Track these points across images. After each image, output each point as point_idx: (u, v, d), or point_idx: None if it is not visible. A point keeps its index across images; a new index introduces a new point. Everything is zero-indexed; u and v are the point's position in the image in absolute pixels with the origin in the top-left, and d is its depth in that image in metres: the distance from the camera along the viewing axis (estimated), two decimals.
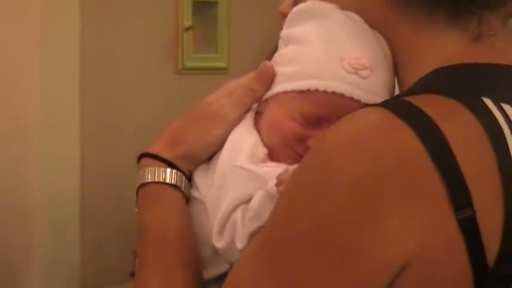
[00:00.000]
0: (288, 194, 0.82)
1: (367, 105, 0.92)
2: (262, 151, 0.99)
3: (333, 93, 0.94)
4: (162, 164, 1.01)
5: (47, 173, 3.15)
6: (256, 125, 1.02)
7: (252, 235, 0.90)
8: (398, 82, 0.96)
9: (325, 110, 0.96)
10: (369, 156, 0.77)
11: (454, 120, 0.80)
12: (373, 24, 0.94)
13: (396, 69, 0.95)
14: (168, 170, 1.01)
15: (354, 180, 0.76)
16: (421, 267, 0.77)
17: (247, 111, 1.02)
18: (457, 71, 0.86)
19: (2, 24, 3.17)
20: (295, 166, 0.92)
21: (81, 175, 3.24)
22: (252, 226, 0.91)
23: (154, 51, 3.40)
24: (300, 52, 0.98)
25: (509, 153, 0.79)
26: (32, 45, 3.12)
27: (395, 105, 0.81)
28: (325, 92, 0.95)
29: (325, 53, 0.97)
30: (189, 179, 1.03)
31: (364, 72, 0.95)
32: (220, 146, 1.01)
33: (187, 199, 1.03)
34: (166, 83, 3.42)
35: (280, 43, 1.03)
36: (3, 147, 3.20)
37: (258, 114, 1.02)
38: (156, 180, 1.01)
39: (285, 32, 1.03)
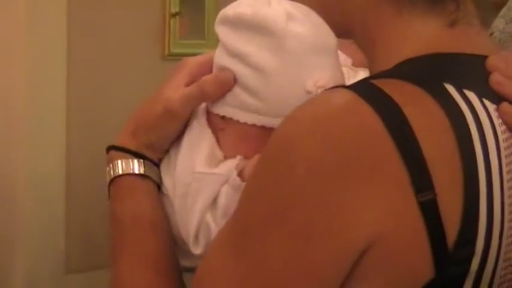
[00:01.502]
0: (252, 178, 0.83)
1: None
2: (220, 154, 0.99)
3: None
4: (128, 155, 1.01)
5: (32, 159, 3.14)
6: (211, 126, 1.00)
7: None
8: (369, 61, 0.96)
9: None
10: (330, 137, 0.78)
11: (418, 106, 0.81)
12: (351, 5, 0.93)
13: (368, 50, 0.94)
14: (136, 160, 1.01)
15: (314, 162, 0.77)
16: (383, 249, 0.78)
17: (196, 108, 1.01)
18: (424, 59, 0.87)
19: None
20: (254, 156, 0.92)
21: (66, 161, 3.24)
22: (223, 224, 0.92)
23: (141, 37, 3.39)
24: (259, 83, 0.95)
25: (471, 139, 0.81)
26: (18, 31, 3.11)
27: (361, 87, 0.82)
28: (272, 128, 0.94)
29: (289, 89, 0.94)
30: (158, 166, 1.02)
31: None
32: (176, 137, 1.01)
33: (160, 186, 1.03)
34: (153, 69, 3.41)
35: (222, 51, 1.00)
36: None
37: (213, 122, 1.01)
38: (124, 172, 1.00)
39: (232, 44, 0.99)
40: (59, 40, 3.17)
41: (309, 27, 0.94)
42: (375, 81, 0.82)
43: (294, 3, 0.97)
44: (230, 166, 0.95)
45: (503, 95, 0.85)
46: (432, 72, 0.85)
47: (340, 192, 0.77)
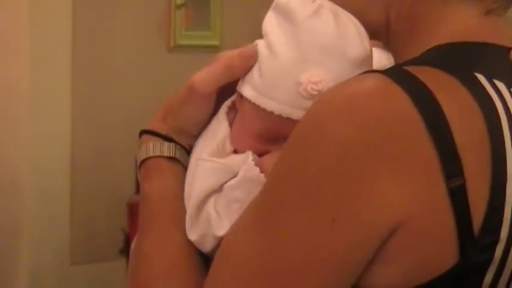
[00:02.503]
0: (283, 156, 0.83)
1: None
2: (229, 147, 0.99)
3: (288, 118, 0.94)
4: (158, 138, 1.02)
5: (37, 151, 3.14)
6: (229, 117, 1.01)
7: None
8: (400, 48, 0.95)
9: (280, 131, 0.96)
10: (362, 119, 0.78)
11: (450, 93, 0.81)
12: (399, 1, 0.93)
13: (402, 38, 0.94)
14: (166, 143, 1.02)
15: (344, 141, 0.78)
16: (409, 233, 0.78)
17: (222, 87, 1.01)
18: (457, 47, 0.88)
19: None
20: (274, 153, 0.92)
21: (71, 153, 3.24)
22: (238, 215, 0.92)
23: (146, 28, 3.39)
24: (265, 61, 0.97)
25: (501, 127, 0.81)
26: (22, 22, 3.11)
27: (394, 72, 0.82)
28: (280, 116, 0.94)
29: (284, 74, 0.94)
30: (188, 152, 1.03)
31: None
32: (202, 121, 1.02)
33: None
34: (158, 61, 3.41)
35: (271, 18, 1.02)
36: None
37: (233, 108, 1.02)
38: (154, 154, 1.02)
39: (264, 22, 1.01)
40: (63, 33, 3.17)
41: (330, 29, 0.94)
42: (408, 68, 0.83)
43: (342, 10, 0.98)
44: (238, 159, 0.95)
45: None
46: (464, 61, 0.86)
47: (369, 174, 0.77)
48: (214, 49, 3.46)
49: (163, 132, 1.02)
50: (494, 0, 0.91)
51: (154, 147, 1.02)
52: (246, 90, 0.97)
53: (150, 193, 1.00)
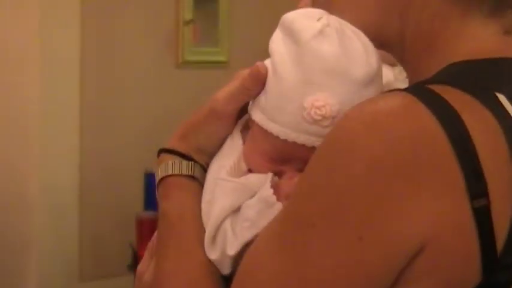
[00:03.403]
0: (307, 172, 0.82)
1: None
2: (244, 166, 0.99)
3: (294, 142, 0.94)
4: (178, 157, 1.03)
5: (46, 166, 3.15)
6: (243, 136, 1.02)
7: (247, 245, 0.91)
8: (415, 66, 0.95)
9: (290, 153, 0.95)
10: (389, 137, 0.78)
11: (473, 113, 0.81)
12: (414, 6, 0.92)
13: (418, 54, 0.93)
14: (184, 162, 1.02)
15: (373, 159, 0.77)
16: (434, 252, 0.78)
17: (240, 106, 1.01)
18: (477, 65, 0.88)
19: (1, 17, 3.16)
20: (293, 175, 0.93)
21: (80, 168, 3.24)
22: (248, 235, 0.92)
23: (154, 44, 3.40)
24: (270, 83, 0.96)
25: None
26: (32, 37, 3.12)
27: (419, 91, 0.82)
28: (285, 140, 0.94)
29: (288, 97, 0.94)
30: (206, 170, 1.04)
31: (324, 122, 0.92)
32: (221, 140, 1.02)
33: None
34: (166, 77, 3.42)
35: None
36: (3, 143, 3.20)
37: (247, 126, 1.02)
38: (173, 173, 1.02)
39: (271, 41, 1.00)
40: (72, 46, 3.18)
41: (335, 49, 0.93)
42: (431, 87, 0.82)
43: (349, 25, 0.97)
44: (256, 179, 0.95)
45: None
46: (483, 80, 0.86)
47: (396, 193, 0.77)
48: (222, 65, 3.47)
49: (182, 150, 1.03)
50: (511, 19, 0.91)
51: (174, 166, 1.02)
52: (254, 112, 0.97)
53: (169, 212, 1.00)
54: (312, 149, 0.91)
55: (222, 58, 3.49)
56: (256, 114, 0.97)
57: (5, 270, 3.22)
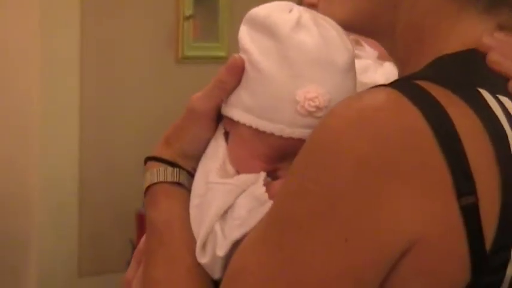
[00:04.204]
0: (292, 172, 0.81)
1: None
2: (231, 168, 0.98)
3: (290, 138, 0.93)
4: (163, 164, 1.02)
5: (45, 163, 3.15)
6: (226, 138, 1.01)
7: (236, 243, 0.90)
8: (405, 58, 0.94)
9: (287, 149, 0.95)
10: (376, 134, 0.77)
11: (459, 109, 0.79)
12: (412, 3, 0.91)
13: (409, 46, 0.92)
14: (169, 169, 1.01)
15: (358, 157, 0.76)
16: (422, 252, 0.77)
17: (218, 104, 1.00)
18: (461, 59, 0.86)
19: (2, 16, 3.16)
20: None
21: (79, 164, 3.24)
22: (237, 234, 0.91)
23: (154, 40, 3.39)
24: (256, 83, 0.95)
25: (508, 145, 0.80)
26: (32, 34, 3.12)
27: (405, 87, 0.81)
28: (281, 136, 0.93)
29: (279, 93, 0.93)
30: (193, 176, 1.03)
31: (318, 113, 0.91)
32: (204, 143, 1.01)
33: None
34: (166, 72, 3.41)
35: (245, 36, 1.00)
36: (3, 137, 3.20)
37: (226, 132, 1.01)
38: (158, 180, 1.01)
39: (242, 39, 0.99)
40: (72, 45, 3.18)
41: (316, 39, 0.93)
42: (418, 82, 0.81)
43: (318, 14, 0.96)
44: (247, 178, 0.94)
45: (503, 74, 0.84)
46: (467, 75, 0.85)
47: (382, 191, 0.76)
48: (223, 60, 3.46)
49: (167, 157, 1.02)
50: (509, 16, 0.90)
51: (158, 173, 1.01)
52: (237, 114, 0.96)
53: (156, 219, 0.99)
54: None
55: (222, 53, 3.48)
56: (241, 115, 0.96)
57: (5, 266, 3.22)
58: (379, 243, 0.76)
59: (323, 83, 0.92)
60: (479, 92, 0.82)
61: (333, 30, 0.94)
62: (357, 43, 1.36)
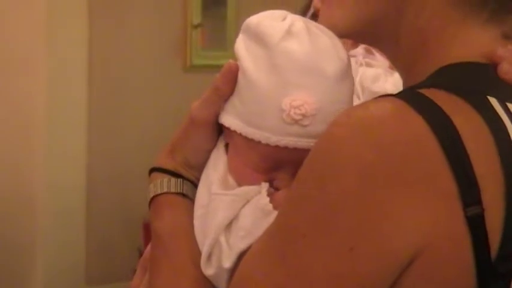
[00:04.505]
0: (297, 182, 0.81)
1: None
2: (231, 179, 0.98)
3: (276, 146, 0.93)
4: (167, 175, 1.02)
5: (52, 172, 3.15)
6: (227, 149, 1.01)
7: (242, 254, 0.90)
8: (410, 66, 0.93)
9: (278, 158, 0.94)
10: (379, 143, 0.76)
11: (465, 118, 0.79)
12: (413, 7, 0.90)
13: (413, 54, 0.92)
14: (173, 179, 1.01)
15: (362, 166, 0.76)
16: (427, 261, 0.76)
17: (217, 111, 1.00)
18: (470, 68, 0.86)
19: (9, 19, 3.17)
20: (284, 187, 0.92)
21: (87, 173, 3.24)
22: (242, 245, 0.90)
23: (162, 48, 3.40)
24: (246, 90, 0.95)
25: None
26: (39, 42, 3.12)
27: (410, 96, 0.80)
28: (268, 145, 0.93)
29: (266, 101, 0.92)
30: (197, 185, 1.03)
31: (305, 121, 0.90)
32: (206, 153, 1.01)
33: None
34: (174, 81, 3.42)
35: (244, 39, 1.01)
36: (9, 145, 3.20)
37: (227, 143, 1.01)
38: (162, 191, 1.01)
39: (236, 47, 0.99)
40: (80, 51, 3.18)
41: (305, 47, 0.92)
42: (422, 91, 0.80)
43: (313, 23, 0.96)
44: (247, 189, 0.94)
45: None
46: (477, 83, 0.84)
47: (387, 201, 0.75)
48: None
49: (170, 168, 1.02)
50: (511, 25, 0.89)
51: (162, 184, 1.01)
52: (229, 120, 0.96)
53: (160, 230, 0.99)
54: (300, 151, 0.91)
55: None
56: (232, 122, 0.95)
57: (12, 273, 3.21)
58: (384, 252, 0.76)
59: (312, 91, 0.91)
60: (488, 100, 0.82)
61: (326, 39, 0.94)
62: (368, 52, 1.35)
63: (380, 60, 1.35)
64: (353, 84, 0.95)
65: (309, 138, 0.91)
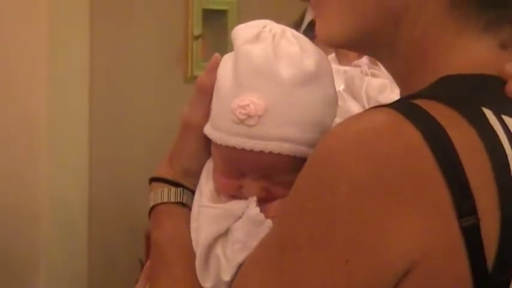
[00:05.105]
0: (293, 193, 0.81)
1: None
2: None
3: (227, 146, 0.93)
4: (166, 185, 1.02)
5: (55, 181, 3.15)
6: None
7: (240, 266, 0.90)
8: (406, 77, 0.93)
9: (236, 163, 0.95)
10: (374, 155, 0.77)
11: (460, 130, 0.80)
12: (411, 18, 0.90)
13: (410, 65, 0.92)
14: (173, 189, 1.02)
15: (357, 178, 0.76)
16: (423, 272, 0.77)
17: (205, 112, 1.00)
18: (467, 79, 0.86)
19: (10, 28, 3.17)
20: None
21: (89, 183, 3.24)
22: (240, 257, 0.91)
23: (163, 59, 3.40)
24: (214, 93, 0.98)
25: (507, 165, 0.79)
26: (41, 52, 3.13)
27: (404, 107, 0.81)
28: (221, 145, 0.94)
29: (222, 102, 0.95)
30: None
31: (250, 121, 0.91)
32: (203, 159, 1.01)
33: None
34: (175, 92, 3.42)
35: None
36: (12, 154, 3.20)
37: None
38: (162, 201, 1.02)
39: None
40: (82, 62, 3.19)
41: (266, 52, 0.93)
42: (417, 102, 0.81)
43: (296, 33, 0.97)
44: (238, 204, 0.95)
45: None
46: (472, 94, 0.84)
47: (382, 212, 0.75)
48: None
49: (169, 177, 1.02)
50: (507, 34, 0.89)
51: (162, 194, 1.02)
52: (206, 125, 0.98)
53: (160, 240, 1.00)
54: (255, 154, 0.91)
55: None
56: (207, 128, 0.97)
57: (14, 284, 3.21)
58: (380, 263, 0.76)
59: (260, 93, 0.92)
60: (483, 111, 0.82)
61: (295, 46, 0.94)
62: (373, 62, 1.36)
63: (385, 71, 1.35)
64: (328, 93, 0.95)
65: (257, 140, 0.91)
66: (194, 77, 3.44)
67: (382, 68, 1.35)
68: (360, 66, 1.33)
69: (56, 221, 3.15)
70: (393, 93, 1.29)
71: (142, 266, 3.45)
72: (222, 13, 3.50)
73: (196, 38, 3.42)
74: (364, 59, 1.36)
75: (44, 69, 3.12)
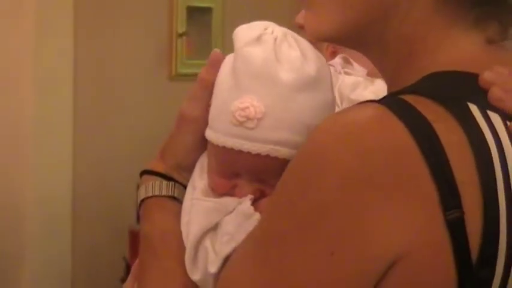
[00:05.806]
0: (280, 187, 0.82)
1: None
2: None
3: (224, 147, 0.94)
4: (158, 178, 1.02)
5: (39, 180, 3.14)
6: None
7: (227, 258, 0.90)
8: (394, 72, 0.94)
9: (232, 164, 0.95)
10: (361, 149, 0.77)
11: (446, 124, 0.80)
12: (399, 14, 0.90)
13: (399, 61, 0.92)
14: (164, 182, 1.02)
15: (344, 172, 0.77)
16: (408, 266, 0.77)
17: (204, 106, 1.01)
18: (453, 75, 0.87)
19: None
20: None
21: (73, 181, 3.24)
22: (227, 249, 0.91)
23: (147, 57, 3.40)
24: (214, 93, 0.98)
25: (491, 160, 0.80)
26: (25, 50, 3.12)
27: (391, 102, 0.81)
28: (218, 146, 0.94)
29: (221, 103, 0.95)
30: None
31: (249, 124, 0.92)
32: (197, 154, 1.02)
33: None
34: (159, 89, 3.42)
35: None
36: None
37: None
38: (153, 194, 1.02)
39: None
40: (65, 59, 3.18)
41: (266, 54, 0.94)
42: (404, 97, 0.81)
43: (298, 36, 0.97)
44: (232, 200, 0.95)
45: (506, 111, 0.84)
46: (458, 90, 0.85)
47: (368, 206, 0.76)
48: None
49: (162, 170, 1.02)
50: (498, 31, 0.89)
51: (154, 187, 1.02)
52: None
53: (150, 233, 1.00)
54: (251, 157, 0.92)
55: None
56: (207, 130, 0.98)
57: None
58: (365, 256, 0.77)
59: (260, 96, 0.92)
60: (468, 107, 0.82)
61: (296, 50, 0.94)
62: (346, 61, 1.37)
63: (358, 70, 1.35)
64: (325, 98, 0.96)
65: (255, 142, 0.92)
66: (179, 75, 3.44)
67: (355, 67, 1.36)
68: (333, 66, 1.34)
69: (41, 220, 3.15)
70: (366, 90, 1.30)
71: (127, 263, 3.45)
72: (207, 10, 3.49)
73: (181, 35, 3.42)
74: (338, 59, 1.37)
75: (29, 68, 3.11)
